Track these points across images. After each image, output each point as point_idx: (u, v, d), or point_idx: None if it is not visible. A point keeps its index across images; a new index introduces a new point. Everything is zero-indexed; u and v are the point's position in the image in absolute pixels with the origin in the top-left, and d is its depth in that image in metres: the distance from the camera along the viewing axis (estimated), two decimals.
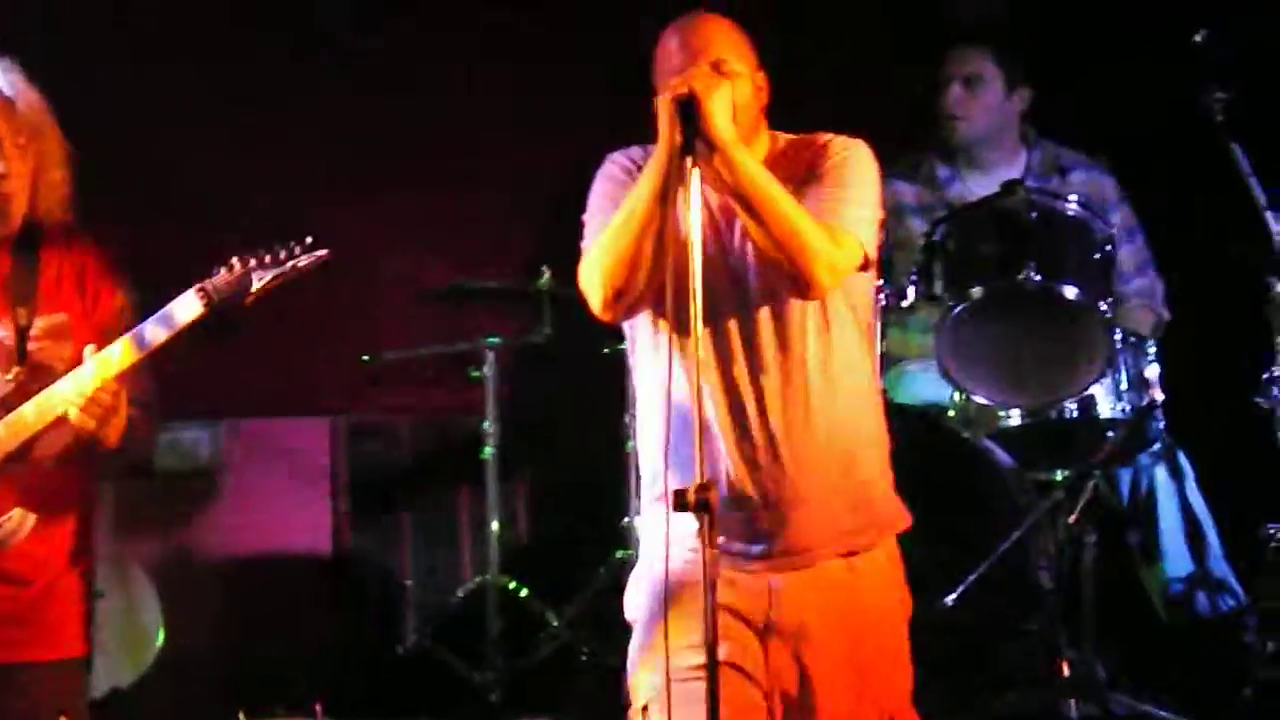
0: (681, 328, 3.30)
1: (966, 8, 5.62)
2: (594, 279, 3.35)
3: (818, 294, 3.31)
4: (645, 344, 3.46)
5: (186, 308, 3.64)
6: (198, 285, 3.64)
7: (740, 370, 3.41)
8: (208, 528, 5.77)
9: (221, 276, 3.64)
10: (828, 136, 3.44)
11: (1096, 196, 5.29)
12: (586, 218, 3.46)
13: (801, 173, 3.38)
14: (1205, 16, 4.77)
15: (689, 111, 3.21)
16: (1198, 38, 4.74)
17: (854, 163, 3.39)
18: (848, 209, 3.35)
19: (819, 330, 3.43)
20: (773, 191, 3.27)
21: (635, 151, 3.46)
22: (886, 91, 5.77)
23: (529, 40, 5.87)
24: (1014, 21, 5.62)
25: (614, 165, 3.48)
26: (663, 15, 3.50)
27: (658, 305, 3.35)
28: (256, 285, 3.62)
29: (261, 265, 3.62)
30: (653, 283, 3.32)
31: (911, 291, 4.89)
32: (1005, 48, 5.40)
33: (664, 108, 3.24)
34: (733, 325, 3.41)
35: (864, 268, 3.39)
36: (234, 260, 3.64)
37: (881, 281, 4.42)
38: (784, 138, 3.51)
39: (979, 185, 5.30)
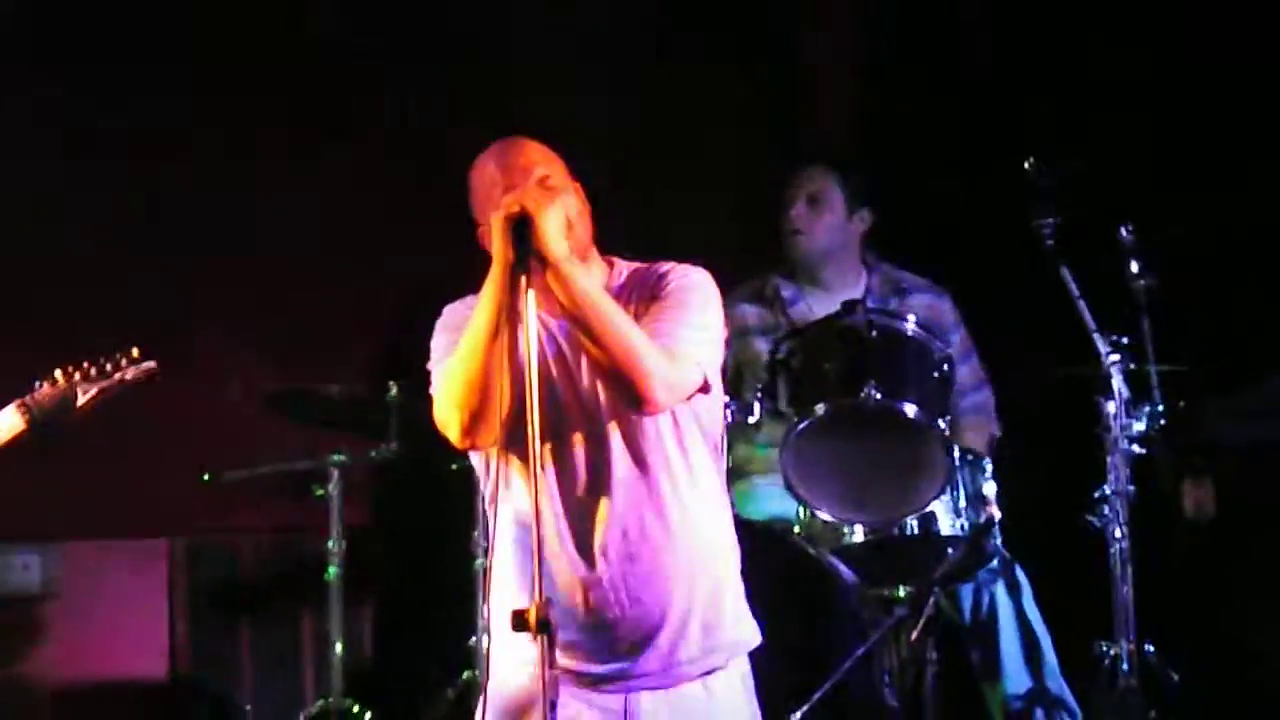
0: (521, 441, 3.25)
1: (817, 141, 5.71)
2: (448, 410, 3.30)
3: (654, 411, 3.29)
4: (493, 463, 3.37)
5: (6, 423, 3.48)
6: (18, 400, 3.48)
7: (590, 489, 3.38)
8: (39, 655, 5.65)
9: (43, 390, 3.52)
10: (669, 265, 3.45)
11: (935, 318, 5.32)
12: (431, 365, 3.43)
13: (643, 298, 3.39)
14: (1042, 143, 4.89)
15: (522, 229, 3.20)
16: (1027, 165, 4.82)
17: (692, 287, 3.39)
18: (685, 330, 3.34)
19: (669, 448, 3.41)
20: (607, 308, 3.25)
21: (471, 299, 3.40)
22: (732, 213, 5.89)
23: (384, 149, 5.84)
24: (858, 145, 5.75)
25: (452, 313, 3.45)
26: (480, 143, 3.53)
27: (506, 427, 3.28)
28: (82, 399, 3.50)
29: (86, 378, 3.51)
30: (505, 404, 3.28)
31: (757, 408, 4.84)
32: (849, 170, 5.48)
33: (497, 226, 3.21)
34: (580, 445, 3.37)
35: (704, 389, 3.37)
36: (57, 372, 3.48)
37: (728, 398, 4.39)
38: (626, 265, 3.51)
39: (821, 305, 5.31)
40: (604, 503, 3.37)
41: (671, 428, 3.38)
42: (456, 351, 3.27)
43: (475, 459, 3.46)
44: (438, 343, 3.41)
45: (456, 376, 3.26)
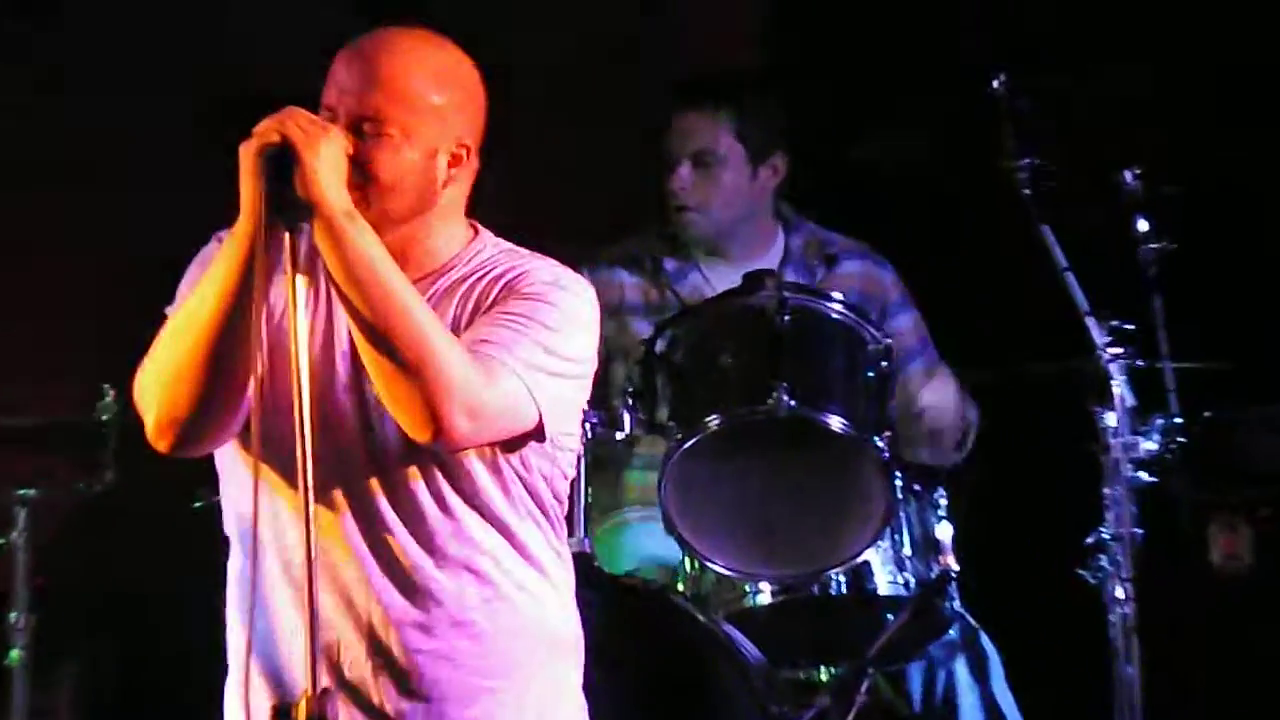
0: (282, 468, 2.99)
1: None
2: (147, 392, 3.02)
3: (446, 443, 2.97)
4: (236, 489, 3.10)
5: None
6: None
7: (367, 532, 3.05)
8: None
9: None
10: (545, 262, 3.16)
11: (873, 294, 4.95)
12: (169, 310, 3.12)
13: (492, 294, 3.11)
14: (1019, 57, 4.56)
15: (281, 168, 2.90)
16: (995, 84, 4.40)
17: (563, 298, 3.11)
18: (527, 349, 3.04)
19: (492, 502, 3.11)
20: (393, 284, 2.92)
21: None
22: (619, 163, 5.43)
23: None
24: (767, 64, 5.41)
25: (213, 244, 3.13)
26: None
27: (245, 437, 3.00)
28: None
29: None
30: (233, 404, 2.98)
31: (627, 418, 4.47)
32: (747, 111, 4.98)
33: (245, 160, 2.90)
34: (359, 470, 3.06)
35: (538, 436, 3.05)
36: None
37: (587, 408, 3.81)
38: (493, 241, 3.19)
39: (721, 279, 4.86)
40: (395, 563, 3.07)
41: (490, 476, 3.09)
42: (170, 321, 3.02)
43: (225, 477, 3.15)
44: (187, 282, 3.14)
45: (168, 353, 2.99)
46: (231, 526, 3.14)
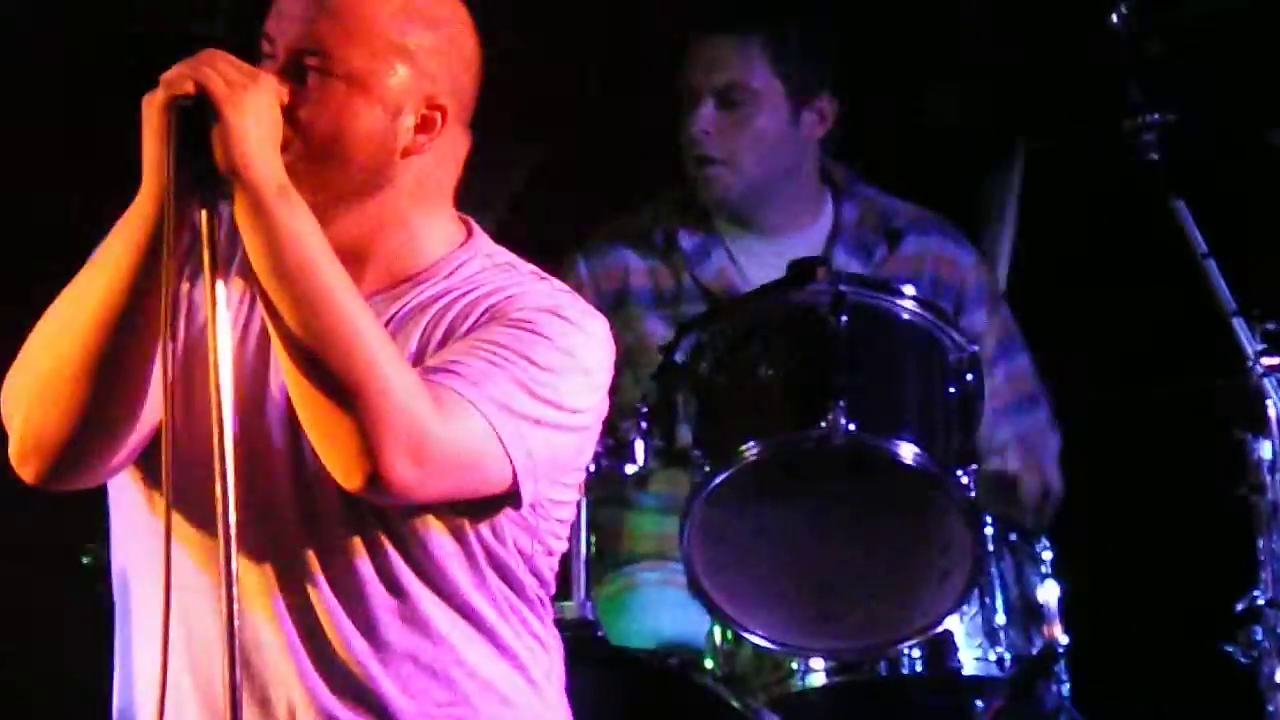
0: (190, 515, 2.66)
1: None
2: (13, 405, 2.72)
3: (383, 491, 2.62)
4: (124, 529, 2.78)
5: None
6: None
7: (295, 609, 2.72)
8: None
9: None
10: (535, 284, 2.79)
11: (952, 284, 4.44)
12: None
13: (474, 316, 2.75)
14: None
15: (196, 125, 2.57)
16: (1114, 17, 3.92)
17: (553, 330, 2.74)
18: (498, 387, 2.68)
19: (434, 556, 2.77)
20: (331, 283, 2.58)
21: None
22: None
23: None
24: None
25: None
26: None
27: (148, 466, 2.69)
28: None
29: None
30: (123, 425, 2.66)
31: (640, 446, 4.02)
32: (788, 37, 4.45)
33: (150, 117, 2.57)
34: (291, 528, 2.71)
35: (512, 500, 2.69)
36: None
37: None
38: (488, 246, 2.83)
39: (756, 262, 4.41)
40: (329, 653, 2.72)
41: (454, 546, 2.75)
42: (49, 314, 2.67)
43: (113, 510, 2.83)
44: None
45: (29, 359, 2.66)
46: (116, 582, 2.82)
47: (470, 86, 2.78)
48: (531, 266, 2.87)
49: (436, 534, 2.74)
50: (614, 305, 4.37)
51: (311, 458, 2.72)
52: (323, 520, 2.74)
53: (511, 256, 2.87)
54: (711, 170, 4.41)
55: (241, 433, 2.63)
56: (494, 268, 2.84)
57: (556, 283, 2.86)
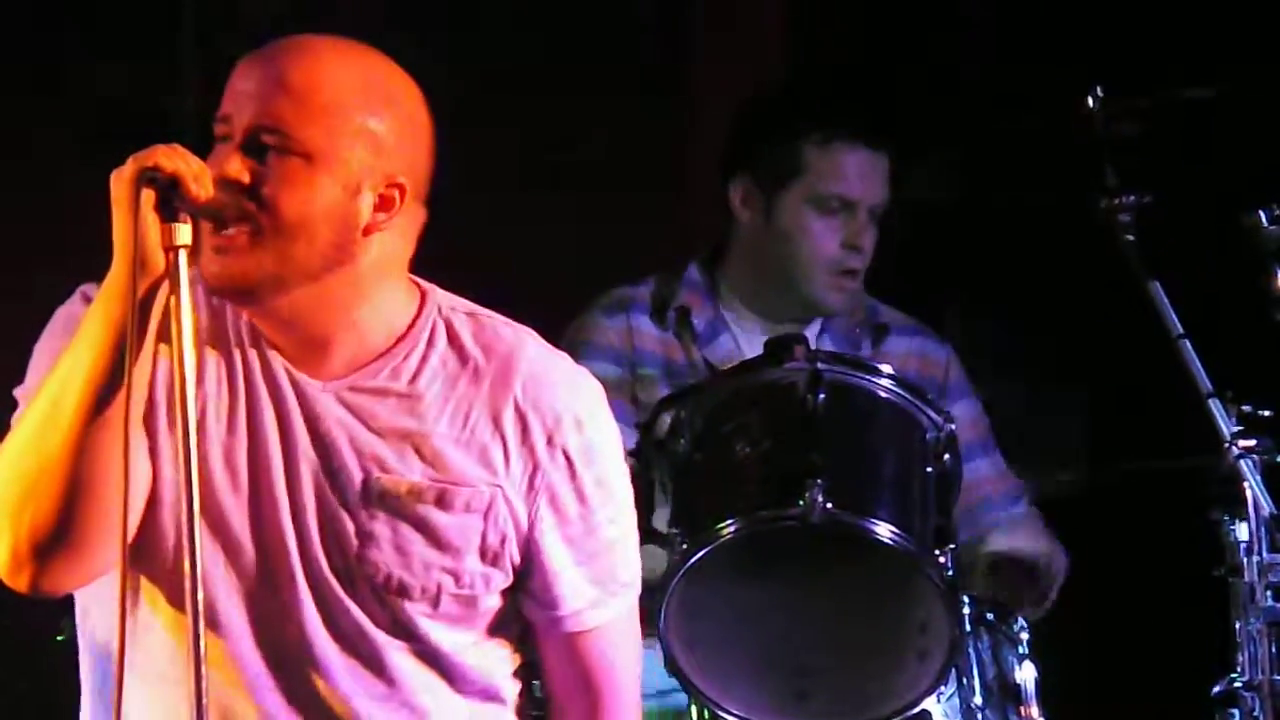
0: (174, 605, 2.67)
1: None
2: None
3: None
4: (91, 597, 2.73)
5: None
6: None
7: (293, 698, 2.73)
8: None
9: None
10: (534, 349, 2.80)
11: (928, 375, 4.48)
12: (18, 392, 2.78)
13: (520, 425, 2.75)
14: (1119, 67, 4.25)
15: (167, 194, 2.55)
16: (1090, 100, 3.97)
17: (621, 485, 2.93)
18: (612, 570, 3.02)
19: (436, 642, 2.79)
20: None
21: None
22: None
23: None
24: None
25: (77, 302, 2.76)
26: None
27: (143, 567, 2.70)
28: None
29: None
30: (113, 519, 2.57)
31: None
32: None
33: (120, 190, 2.53)
34: (290, 613, 2.70)
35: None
36: None
37: None
38: (448, 304, 2.80)
39: (758, 347, 4.27)
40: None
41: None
42: (23, 417, 2.64)
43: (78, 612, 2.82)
44: (42, 353, 2.76)
45: (8, 469, 2.62)
46: (85, 652, 2.78)
47: (425, 163, 2.74)
48: (488, 312, 2.84)
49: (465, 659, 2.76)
50: (631, 363, 4.37)
51: (312, 547, 2.69)
52: (336, 624, 2.69)
53: (468, 304, 2.85)
54: (853, 283, 4.42)
55: (217, 515, 2.61)
56: (465, 318, 2.81)
57: (536, 336, 2.83)
